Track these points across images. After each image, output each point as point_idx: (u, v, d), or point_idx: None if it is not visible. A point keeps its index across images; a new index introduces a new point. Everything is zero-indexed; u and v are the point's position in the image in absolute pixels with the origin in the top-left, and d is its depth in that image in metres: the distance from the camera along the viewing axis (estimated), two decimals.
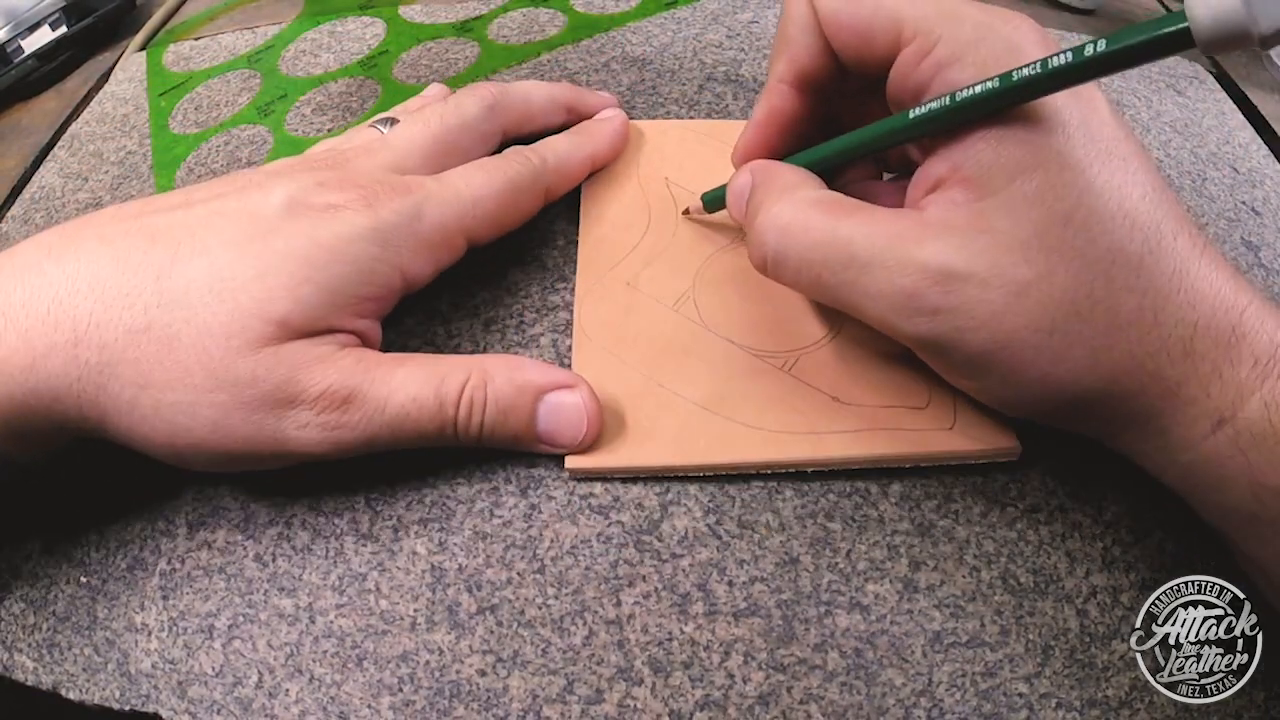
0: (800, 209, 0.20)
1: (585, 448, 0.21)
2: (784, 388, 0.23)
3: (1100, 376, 0.18)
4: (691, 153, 0.29)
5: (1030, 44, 0.18)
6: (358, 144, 0.24)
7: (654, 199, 0.28)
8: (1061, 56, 0.16)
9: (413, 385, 0.20)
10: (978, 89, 0.17)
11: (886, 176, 0.25)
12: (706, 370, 0.23)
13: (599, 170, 0.28)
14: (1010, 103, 0.17)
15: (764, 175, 0.22)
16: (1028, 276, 0.17)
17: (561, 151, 0.26)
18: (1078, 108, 0.18)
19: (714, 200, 0.26)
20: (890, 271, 0.18)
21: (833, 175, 0.23)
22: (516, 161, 0.25)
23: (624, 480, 0.22)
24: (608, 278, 0.25)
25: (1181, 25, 0.14)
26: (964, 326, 0.18)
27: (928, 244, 0.18)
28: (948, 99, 0.18)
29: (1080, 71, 0.16)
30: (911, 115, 0.19)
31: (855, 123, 0.23)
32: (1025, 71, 0.17)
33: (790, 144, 0.23)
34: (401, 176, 0.23)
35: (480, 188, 0.23)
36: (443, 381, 0.20)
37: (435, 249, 0.22)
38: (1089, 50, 0.16)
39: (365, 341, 0.21)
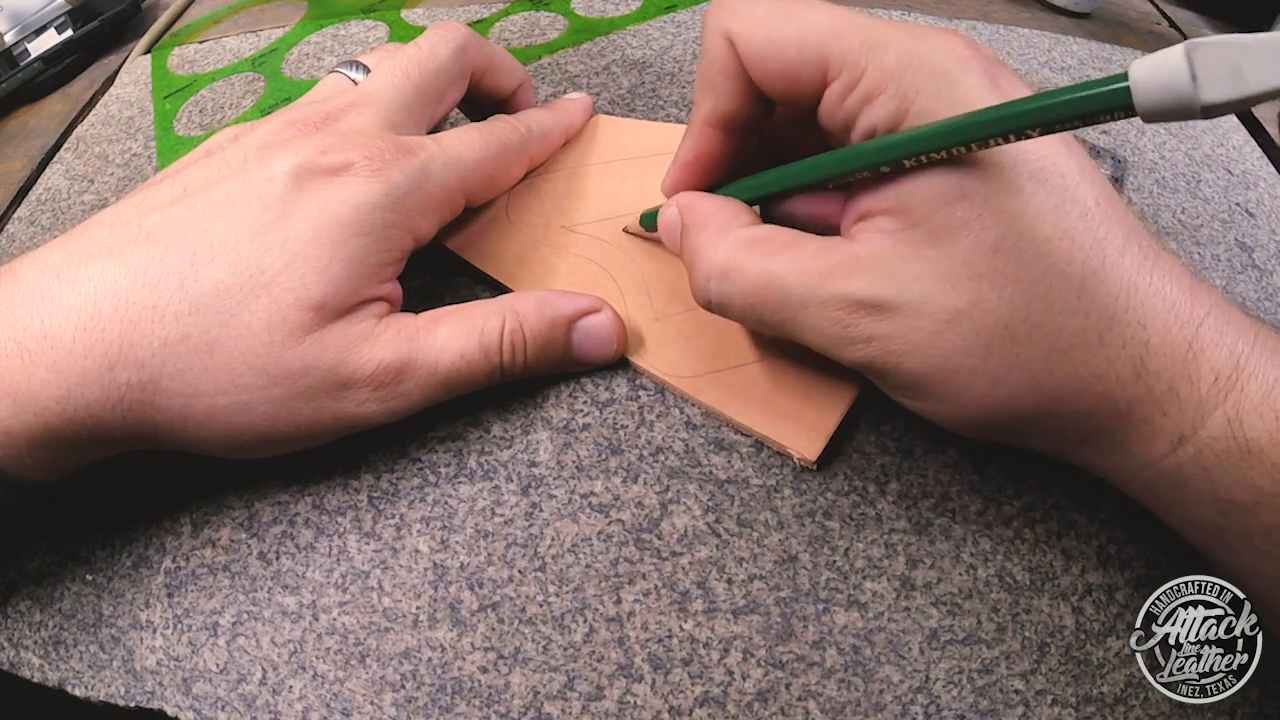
0: (735, 251, 0.20)
1: (616, 359, 0.24)
2: None
3: (1042, 399, 0.17)
4: None
5: (956, 65, 0.17)
6: (335, 99, 0.24)
7: None
8: (980, 114, 0.16)
9: (456, 343, 0.21)
10: (895, 138, 0.17)
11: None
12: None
13: None
14: (929, 150, 0.17)
15: (691, 215, 0.21)
16: (958, 304, 0.17)
17: (545, 122, 0.28)
18: None
19: (651, 220, 0.25)
20: (824, 306, 0.18)
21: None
22: (506, 128, 0.26)
23: (624, 479, 0.22)
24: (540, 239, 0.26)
25: (1121, 85, 0.13)
26: (898, 351, 0.18)
27: (856, 277, 0.18)
28: (869, 145, 0.18)
29: (1003, 126, 0.15)
30: (832, 158, 0.19)
31: (790, 147, 0.22)
32: (938, 127, 0.16)
33: (718, 180, 0.23)
34: (401, 137, 0.22)
35: (480, 151, 0.24)
36: (482, 333, 0.21)
37: (440, 209, 0.23)
38: (1011, 109, 0.15)
39: (391, 302, 0.22)
